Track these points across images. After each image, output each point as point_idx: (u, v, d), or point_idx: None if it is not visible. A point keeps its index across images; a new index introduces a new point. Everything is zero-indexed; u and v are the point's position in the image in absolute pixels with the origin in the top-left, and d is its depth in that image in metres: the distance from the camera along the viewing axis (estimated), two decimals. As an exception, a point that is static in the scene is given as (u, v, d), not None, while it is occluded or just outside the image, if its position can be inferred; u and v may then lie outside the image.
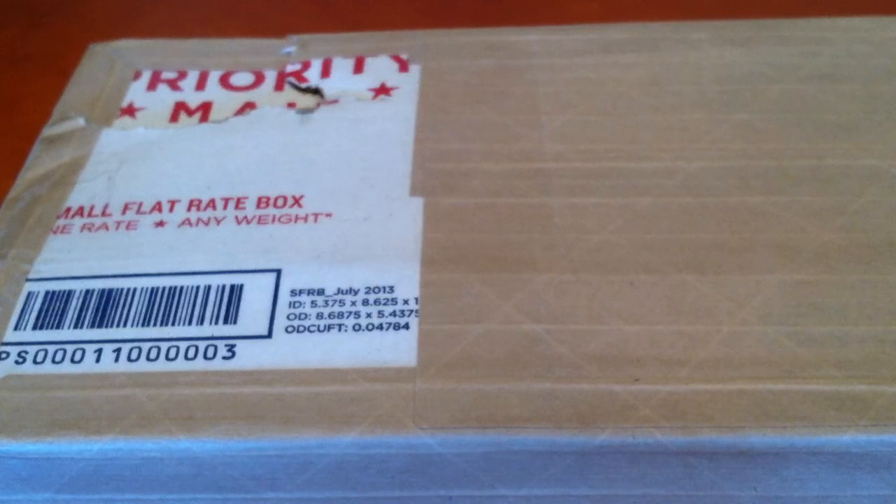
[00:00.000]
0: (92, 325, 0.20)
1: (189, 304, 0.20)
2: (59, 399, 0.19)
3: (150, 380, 0.19)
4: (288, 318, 0.20)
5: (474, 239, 0.22)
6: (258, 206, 0.23)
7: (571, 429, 0.18)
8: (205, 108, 0.26)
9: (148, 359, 0.19)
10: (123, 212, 0.23)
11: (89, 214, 0.23)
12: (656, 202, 0.22)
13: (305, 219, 0.22)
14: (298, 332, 0.20)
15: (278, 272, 0.21)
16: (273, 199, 0.23)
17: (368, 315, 0.20)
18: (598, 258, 0.21)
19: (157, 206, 0.23)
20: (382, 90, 0.26)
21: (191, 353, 0.19)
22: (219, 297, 0.21)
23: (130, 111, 0.26)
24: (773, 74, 0.26)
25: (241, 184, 0.23)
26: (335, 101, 0.26)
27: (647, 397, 0.18)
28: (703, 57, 0.27)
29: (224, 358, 0.19)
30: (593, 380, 0.19)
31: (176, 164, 0.24)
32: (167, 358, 0.19)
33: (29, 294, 0.21)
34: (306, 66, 0.27)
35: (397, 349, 0.19)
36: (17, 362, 0.20)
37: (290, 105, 0.26)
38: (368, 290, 0.21)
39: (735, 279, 0.20)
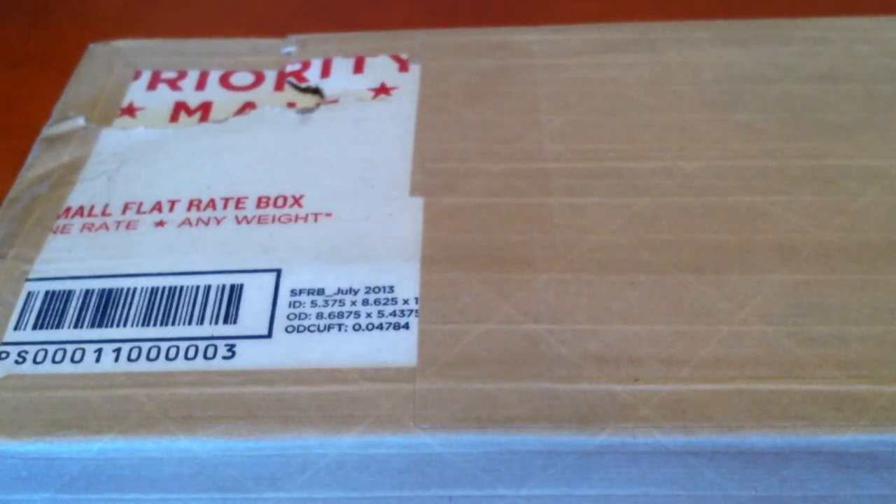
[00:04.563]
0: (92, 325, 0.20)
1: (189, 303, 0.20)
2: (59, 399, 0.19)
3: (150, 380, 0.19)
4: (288, 317, 0.20)
5: (474, 239, 0.22)
6: (258, 205, 0.23)
7: (571, 429, 0.18)
8: (205, 108, 0.26)
9: (148, 359, 0.19)
10: (123, 212, 0.23)
11: (89, 214, 0.23)
12: (656, 202, 0.22)
13: (305, 219, 0.22)
14: (298, 331, 0.20)
15: (278, 272, 0.21)
16: (273, 198, 0.23)
17: (368, 315, 0.20)
18: (598, 258, 0.21)
19: (157, 206, 0.23)
20: (382, 90, 0.26)
21: (191, 353, 0.19)
22: (219, 297, 0.21)
23: (130, 111, 0.26)
24: (773, 74, 0.26)
25: (241, 184, 0.23)
26: (335, 101, 0.26)
27: (647, 397, 0.18)
28: (703, 57, 0.27)
29: (224, 358, 0.19)
30: (593, 380, 0.19)
31: (176, 164, 0.24)
32: (167, 358, 0.19)
33: (29, 294, 0.21)
34: (306, 66, 0.27)
35: (397, 349, 0.19)
36: (17, 362, 0.20)
37: (290, 105, 0.26)
38: (368, 289, 0.21)
39: (735, 279, 0.20)
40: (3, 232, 0.23)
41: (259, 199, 0.23)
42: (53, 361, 0.19)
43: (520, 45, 0.28)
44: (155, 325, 0.20)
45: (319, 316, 0.20)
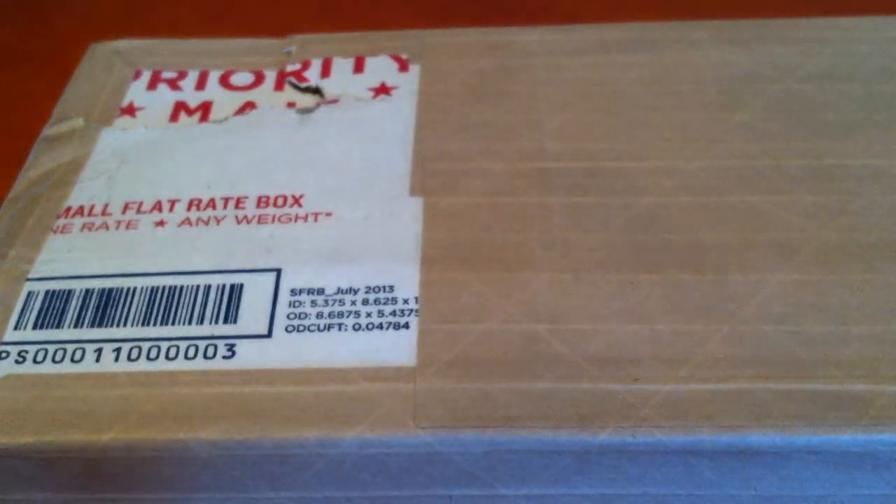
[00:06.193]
0: (92, 325, 0.20)
1: (189, 303, 0.20)
2: (59, 399, 0.19)
3: (150, 379, 0.19)
4: (288, 317, 0.20)
5: (474, 238, 0.22)
6: (258, 205, 0.23)
7: (571, 429, 0.18)
8: (205, 108, 0.26)
9: (148, 358, 0.19)
10: (123, 211, 0.23)
11: (89, 214, 0.23)
12: (656, 202, 0.22)
13: (305, 218, 0.22)
14: (298, 331, 0.20)
15: (278, 272, 0.21)
16: (273, 198, 0.23)
17: (368, 315, 0.20)
18: (598, 258, 0.21)
19: (157, 206, 0.23)
20: (382, 90, 0.26)
21: (191, 353, 0.19)
22: (219, 297, 0.21)
23: (130, 111, 0.26)
24: (773, 74, 0.26)
25: (241, 183, 0.23)
26: (335, 101, 0.26)
27: (647, 397, 0.18)
28: (703, 57, 0.27)
29: (224, 357, 0.19)
30: (593, 379, 0.19)
31: (176, 163, 0.24)
32: (167, 357, 0.19)
33: (29, 294, 0.21)
34: (306, 65, 0.27)
35: (397, 349, 0.19)
36: (17, 362, 0.20)
37: (290, 105, 0.26)
38: (368, 289, 0.21)
39: (735, 279, 0.20)
40: (3, 232, 0.23)
41: (259, 199, 0.23)
42: (53, 361, 0.19)
43: (520, 45, 0.28)
44: (155, 324, 0.20)
45: (319, 316, 0.20)
